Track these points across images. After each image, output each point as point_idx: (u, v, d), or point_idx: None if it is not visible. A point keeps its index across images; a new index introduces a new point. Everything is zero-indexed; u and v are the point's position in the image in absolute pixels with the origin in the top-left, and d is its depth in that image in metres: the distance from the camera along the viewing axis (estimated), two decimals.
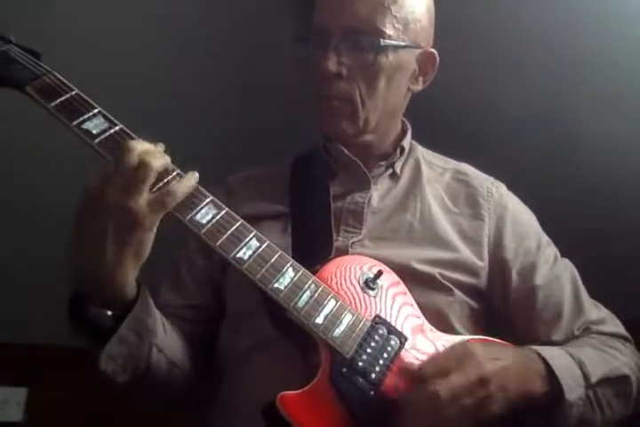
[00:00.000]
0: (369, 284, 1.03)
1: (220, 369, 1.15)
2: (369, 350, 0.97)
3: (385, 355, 0.98)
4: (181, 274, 1.22)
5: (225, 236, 0.92)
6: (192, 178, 0.92)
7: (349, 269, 1.03)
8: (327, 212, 1.16)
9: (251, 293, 0.97)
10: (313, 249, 1.09)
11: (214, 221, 0.92)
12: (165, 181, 0.89)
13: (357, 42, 1.11)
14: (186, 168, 0.93)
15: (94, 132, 0.89)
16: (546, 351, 1.04)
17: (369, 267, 1.05)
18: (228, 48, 1.81)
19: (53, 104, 0.90)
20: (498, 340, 1.08)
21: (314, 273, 0.99)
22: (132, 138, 0.91)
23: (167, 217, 0.89)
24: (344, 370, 0.94)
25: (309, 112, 1.18)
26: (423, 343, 1.03)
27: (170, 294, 1.20)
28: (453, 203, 1.22)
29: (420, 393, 0.92)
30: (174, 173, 0.91)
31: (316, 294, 0.96)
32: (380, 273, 1.04)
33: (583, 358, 1.06)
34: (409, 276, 1.09)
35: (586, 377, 1.04)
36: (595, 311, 1.19)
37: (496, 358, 0.96)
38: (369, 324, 0.99)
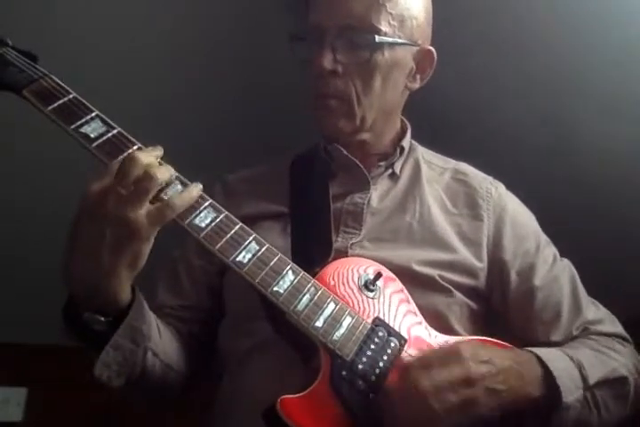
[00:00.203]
0: (368, 286, 1.03)
1: (220, 368, 1.15)
2: (369, 353, 0.97)
3: (385, 357, 0.98)
4: (178, 274, 1.22)
5: (224, 239, 0.91)
6: (194, 190, 0.90)
7: (348, 271, 1.03)
8: (327, 212, 1.16)
9: (250, 295, 0.97)
10: (312, 250, 1.09)
11: (213, 224, 0.91)
12: (166, 190, 0.88)
13: (353, 39, 1.11)
14: (186, 169, 0.92)
15: (92, 135, 0.89)
16: (544, 353, 1.04)
17: (368, 269, 1.05)
18: (227, 48, 1.80)
19: (51, 108, 0.89)
20: (497, 341, 1.07)
21: (313, 276, 0.99)
22: (130, 141, 0.91)
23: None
24: (344, 373, 0.94)
25: (309, 112, 1.18)
26: (423, 345, 1.03)
27: (167, 295, 1.20)
28: (453, 203, 1.22)
29: (401, 382, 0.93)
30: (177, 182, 0.90)
31: (316, 297, 0.96)
32: (378, 275, 1.04)
33: (582, 359, 1.06)
34: (408, 277, 1.09)
35: (584, 379, 1.04)
36: (593, 311, 1.19)
37: (485, 361, 0.95)
38: (369, 326, 0.99)
